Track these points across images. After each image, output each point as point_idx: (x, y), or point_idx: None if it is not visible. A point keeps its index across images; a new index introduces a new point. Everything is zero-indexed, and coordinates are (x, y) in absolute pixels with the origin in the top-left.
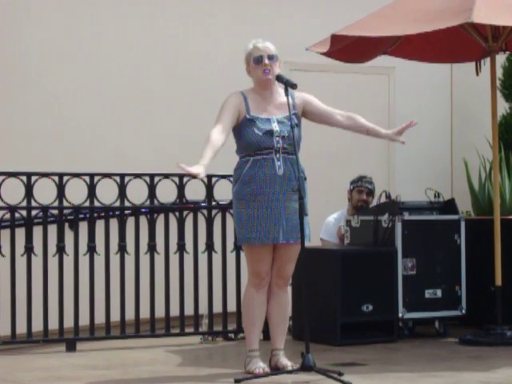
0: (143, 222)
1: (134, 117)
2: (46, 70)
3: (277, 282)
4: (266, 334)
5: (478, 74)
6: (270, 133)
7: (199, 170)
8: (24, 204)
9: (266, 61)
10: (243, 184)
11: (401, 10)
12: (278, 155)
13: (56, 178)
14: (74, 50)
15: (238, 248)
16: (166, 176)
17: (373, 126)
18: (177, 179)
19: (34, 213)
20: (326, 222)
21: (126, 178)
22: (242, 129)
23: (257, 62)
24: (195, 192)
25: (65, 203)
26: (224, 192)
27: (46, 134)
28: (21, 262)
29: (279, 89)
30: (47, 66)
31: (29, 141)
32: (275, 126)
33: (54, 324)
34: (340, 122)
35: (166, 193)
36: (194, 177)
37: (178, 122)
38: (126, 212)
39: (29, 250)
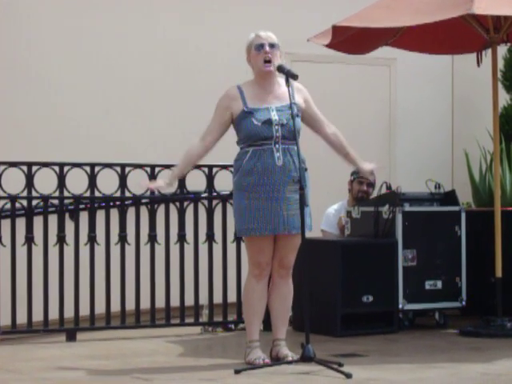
0: (144, 212)
1: (135, 111)
2: (47, 61)
3: (278, 271)
4: (267, 325)
5: (478, 65)
6: (269, 122)
7: (159, 183)
8: (25, 194)
9: (267, 48)
10: (243, 175)
11: (402, 0)
12: (277, 146)
13: (57, 168)
14: (77, 43)
15: (238, 238)
16: (167, 166)
17: (352, 153)
18: None
19: (34, 203)
20: (327, 213)
21: (127, 169)
22: (240, 121)
23: (258, 49)
24: (196, 182)
25: (65, 193)
26: (225, 182)
27: (46, 125)
28: (21, 252)
29: (279, 79)
30: (48, 57)
31: (30, 131)
32: (274, 115)
33: (54, 314)
34: (326, 136)
35: None
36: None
37: (177, 117)
38: (127, 202)
39: (29, 239)
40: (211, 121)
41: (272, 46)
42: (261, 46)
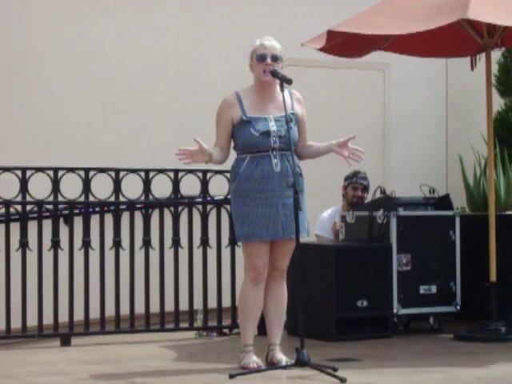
0: (138, 217)
1: (130, 113)
2: (42, 66)
3: (272, 274)
4: (263, 330)
5: (472, 70)
6: (267, 133)
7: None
8: (19, 199)
9: (269, 60)
10: (241, 182)
11: (397, 6)
12: (274, 152)
13: (51, 173)
14: (71, 47)
15: (232, 243)
16: (161, 171)
17: (321, 145)
18: (172, 174)
19: (28, 207)
20: (320, 217)
21: (121, 173)
22: (238, 129)
23: (260, 59)
24: (190, 187)
25: (60, 198)
26: (219, 187)
27: (41, 129)
28: (16, 257)
29: (279, 88)
30: (43, 62)
31: (24, 135)
32: (272, 126)
33: (48, 319)
34: (298, 154)
35: (161, 188)
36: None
37: (172, 121)
38: (121, 207)
39: (24, 244)
40: (216, 132)
41: (275, 58)
42: (263, 57)
